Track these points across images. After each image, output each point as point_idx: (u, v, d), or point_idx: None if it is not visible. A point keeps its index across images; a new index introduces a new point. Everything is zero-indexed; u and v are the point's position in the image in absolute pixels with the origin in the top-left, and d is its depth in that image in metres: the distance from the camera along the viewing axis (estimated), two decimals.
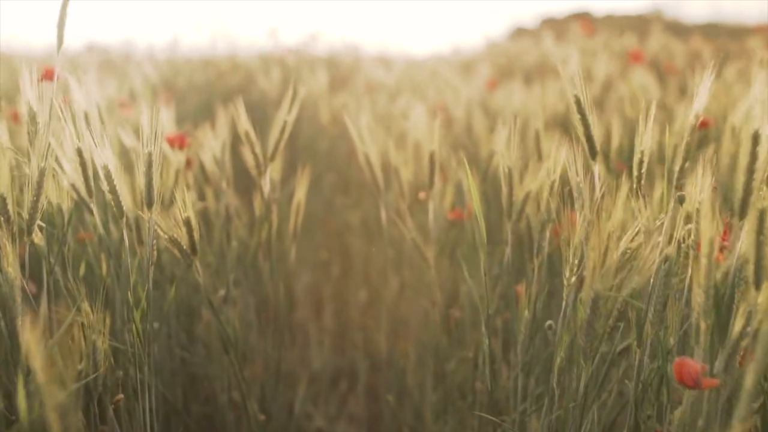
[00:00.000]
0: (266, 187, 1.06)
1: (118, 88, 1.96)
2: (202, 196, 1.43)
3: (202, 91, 2.78)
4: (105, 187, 0.81)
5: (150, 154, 0.78)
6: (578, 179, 0.79)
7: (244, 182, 1.69)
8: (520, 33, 5.93)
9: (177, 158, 1.25)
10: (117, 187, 0.80)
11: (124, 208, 0.82)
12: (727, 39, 3.95)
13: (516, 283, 1.10)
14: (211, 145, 1.15)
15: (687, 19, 5.65)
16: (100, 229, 0.97)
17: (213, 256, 1.39)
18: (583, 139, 0.83)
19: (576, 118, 0.83)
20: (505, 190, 0.86)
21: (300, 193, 1.04)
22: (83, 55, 3.19)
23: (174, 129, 1.65)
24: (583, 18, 5.97)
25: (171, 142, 1.22)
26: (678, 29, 4.45)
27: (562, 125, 1.77)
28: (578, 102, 0.83)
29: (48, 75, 1.32)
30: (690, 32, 4.16)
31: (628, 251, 0.78)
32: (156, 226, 0.82)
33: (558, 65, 2.90)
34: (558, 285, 1.20)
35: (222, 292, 1.06)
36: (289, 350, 1.93)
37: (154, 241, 0.80)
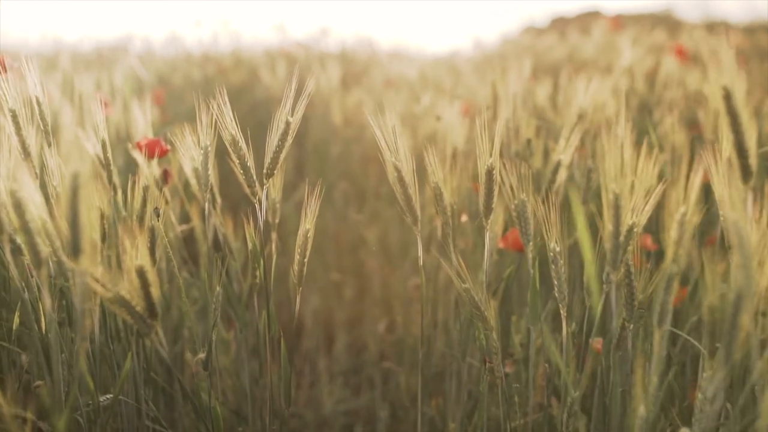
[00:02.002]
0: (262, 212, 0.79)
1: (97, 84, 1.69)
2: (186, 215, 1.16)
3: (199, 88, 2.51)
4: (14, 222, 0.54)
5: (75, 177, 0.50)
6: (734, 215, 0.51)
7: (241, 191, 1.42)
8: (530, 32, 5.68)
9: (151, 171, 0.99)
10: (29, 223, 0.53)
11: (42, 254, 0.54)
12: (762, 35, 3.66)
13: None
14: (192, 154, 0.87)
15: (694, 18, 5.36)
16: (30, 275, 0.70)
17: (198, 290, 1.12)
18: (733, 151, 0.55)
19: (725, 121, 0.55)
20: (609, 225, 0.58)
21: (308, 222, 0.76)
22: (67, 50, 2.93)
23: (157, 132, 1.38)
24: (594, 16, 5.72)
25: (141, 149, 0.95)
26: (681, 28, 4.19)
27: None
28: (728, 97, 0.55)
29: None
30: (702, 29, 3.88)
31: None
32: (91, 281, 0.55)
33: (599, 59, 2.62)
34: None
35: (202, 355, 0.78)
36: (294, 389, 1.65)
37: (84, 306, 0.53)
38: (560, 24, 5.66)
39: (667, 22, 4.60)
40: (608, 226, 0.59)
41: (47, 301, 0.57)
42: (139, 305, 0.58)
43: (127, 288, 0.57)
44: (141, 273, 0.57)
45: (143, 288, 0.58)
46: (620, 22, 4.27)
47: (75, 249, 0.52)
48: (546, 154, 1.08)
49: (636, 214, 0.63)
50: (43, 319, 0.75)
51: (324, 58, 2.86)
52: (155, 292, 0.58)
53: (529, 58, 3.06)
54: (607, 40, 3.07)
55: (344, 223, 1.89)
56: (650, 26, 3.75)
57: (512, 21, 8.09)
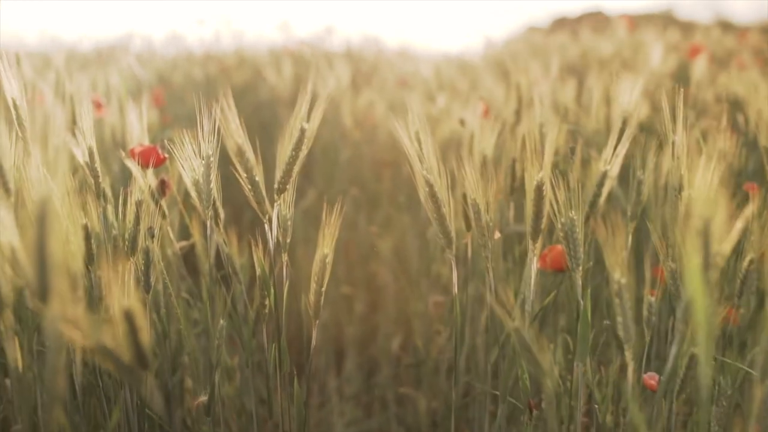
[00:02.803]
0: (273, 232, 0.68)
1: (93, 84, 1.59)
2: (185, 228, 1.06)
3: (201, 88, 2.40)
4: None
5: (43, 203, 0.40)
6: None
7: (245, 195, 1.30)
8: (533, 32, 5.60)
9: (146, 181, 0.88)
10: None
11: (4, 292, 0.44)
12: None
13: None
14: (193, 164, 0.77)
15: (695, 17, 5.26)
16: None
17: (199, 312, 1.02)
18: None
19: None
20: (696, 257, 0.48)
21: (327, 246, 0.65)
22: (65, 49, 2.83)
23: (156, 136, 1.28)
24: (596, 17, 5.64)
25: (135, 158, 0.84)
26: (692, 27, 4.10)
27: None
28: None
29: None
30: (716, 29, 3.78)
31: None
32: (66, 327, 0.44)
33: (622, 58, 2.51)
34: None
35: (204, 398, 0.68)
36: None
37: (57, 360, 0.43)
38: (563, 24, 5.59)
39: (670, 22, 4.51)
40: (694, 259, 0.48)
41: (12, 353, 0.46)
42: (125, 355, 0.48)
43: (112, 334, 0.47)
44: (129, 317, 0.47)
45: (131, 334, 0.48)
46: (630, 22, 4.18)
47: (42, 290, 0.41)
48: (583, 163, 0.98)
49: (720, 242, 0.53)
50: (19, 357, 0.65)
51: (330, 58, 2.76)
52: (145, 338, 0.48)
53: (545, 57, 2.96)
54: (623, 40, 2.96)
55: (355, 232, 1.78)
56: (655, 26, 3.66)
57: (514, 21, 8.01)
